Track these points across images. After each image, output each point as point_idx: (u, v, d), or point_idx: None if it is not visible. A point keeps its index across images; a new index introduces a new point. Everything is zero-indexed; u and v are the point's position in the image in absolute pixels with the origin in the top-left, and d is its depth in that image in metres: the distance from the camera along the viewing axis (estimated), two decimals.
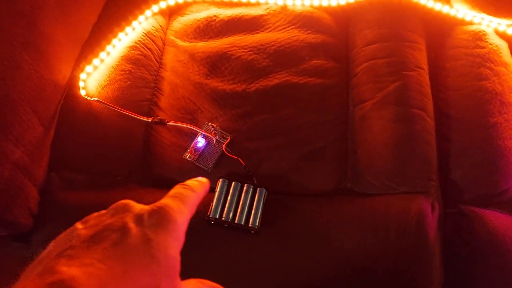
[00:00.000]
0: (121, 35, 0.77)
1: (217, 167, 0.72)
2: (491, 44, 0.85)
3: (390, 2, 0.85)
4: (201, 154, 0.72)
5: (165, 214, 0.30)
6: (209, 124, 0.74)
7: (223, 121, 0.75)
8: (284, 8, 0.86)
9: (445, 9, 0.87)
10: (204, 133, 0.72)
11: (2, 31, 0.59)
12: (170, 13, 0.87)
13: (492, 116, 0.77)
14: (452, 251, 0.71)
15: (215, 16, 0.84)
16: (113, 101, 0.73)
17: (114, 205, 0.32)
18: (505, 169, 0.75)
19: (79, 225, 0.30)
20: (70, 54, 0.72)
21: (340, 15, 0.88)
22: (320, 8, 0.87)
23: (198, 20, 0.84)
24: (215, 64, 0.79)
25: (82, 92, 0.71)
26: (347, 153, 0.77)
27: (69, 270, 0.24)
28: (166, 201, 0.32)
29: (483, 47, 0.84)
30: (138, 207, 0.31)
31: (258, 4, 0.86)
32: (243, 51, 0.80)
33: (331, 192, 0.75)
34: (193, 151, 0.72)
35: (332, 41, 0.84)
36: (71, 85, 0.72)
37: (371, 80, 0.79)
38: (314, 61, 0.81)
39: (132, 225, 0.28)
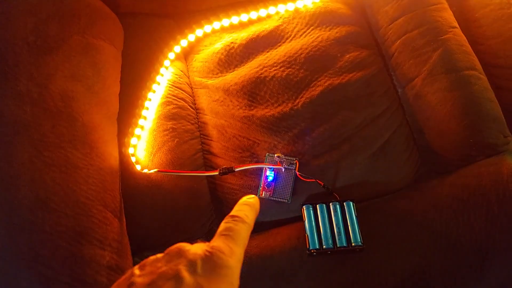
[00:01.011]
0: (150, 95, 0.73)
1: (295, 195, 0.69)
2: None
3: None
4: (275, 188, 0.69)
5: (218, 260, 0.31)
6: (272, 155, 0.70)
7: (283, 147, 0.72)
8: (296, 11, 0.82)
9: None
10: (271, 166, 0.69)
11: (47, 137, 0.56)
12: (185, 55, 0.83)
13: None
14: None
15: (232, 43, 0.80)
16: (168, 165, 0.69)
17: (168, 249, 0.33)
18: None
19: (136, 271, 0.31)
20: (112, 134, 0.68)
21: (353, 1, 0.84)
22: (331, 0, 0.83)
23: (217, 52, 0.80)
24: (253, 91, 0.75)
25: (138, 168, 0.67)
26: (414, 137, 0.75)
27: None
28: (218, 243, 0.32)
29: None
30: (192, 252, 0.31)
31: (269, 16, 0.82)
32: (275, 69, 0.76)
33: (414, 181, 0.72)
34: (266, 188, 0.69)
35: (356, 30, 0.81)
36: (124, 164, 0.69)
37: (411, 56, 0.76)
38: (347, 56, 0.77)
39: (185, 274, 0.29)
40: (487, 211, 0.64)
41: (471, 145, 0.70)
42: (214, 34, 0.82)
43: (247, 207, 0.39)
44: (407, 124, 0.75)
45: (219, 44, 0.81)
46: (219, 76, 0.78)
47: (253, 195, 0.41)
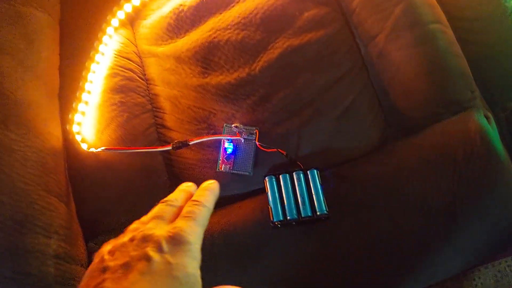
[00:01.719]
0: (93, 66, 0.66)
1: (257, 167, 0.66)
2: None
3: None
4: (235, 160, 0.65)
5: (180, 238, 0.35)
6: (230, 125, 0.66)
7: (241, 116, 0.67)
8: None
9: None
10: (229, 137, 0.64)
11: None
12: (131, 22, 0.76)
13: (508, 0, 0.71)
14: None
15: (181, 5, 0.73)
16: (119, 143, 0.64)
17: (134, 235, 0.35)
18: None
19: (106, 256, 0.34)
20: (52, 111, 0.62)
21: None
22: None
23: (166, 16, 0.73)
24: (206, 57, 0.70)
25: (84, 146, 0.62)
26: (379, 98, 0.71)
27: None
28: (179, 224, 0.36)
29: None
30: (156, 234, 0.35)
31: None
32: (229, 32, 0.71)
33: (380, 144, 0.69)
34: (225, 161, 0.65)
35: None
36: (68, 143, 0.63)
37: (372, 12, 0.72)
38: (306, 14, 0.72)
39: (153, 254, 0.33)
40: (453, 170, 0.62)
41: (437, 102, 0.67)
42: None
43: (207, 191, 0.42)
44: (371, 84, 0.72)
45: (167, 8, 0.74)
46: (169, 43, 0.72)
47: (214, 180, 0.44)
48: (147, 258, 0.33)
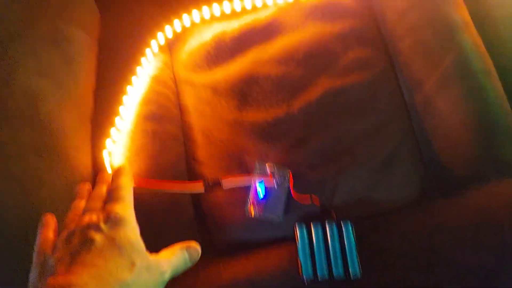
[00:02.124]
0: (129, 89, 0.64)
1: (288, 211, 0.62)
2: None
3: None
4: (266, 204, 0.62)
5: (115, 216, 0.41)
6: (263, 163, 0.63)
7: (275, 156, 0.64)
8: (295, 1, 0.73)
9: None
10: (261, 178, 0.61)
11: (6, 145, 0.47)
12: (169, 46, 0.74)
13: None
14: None
15: (222, 33, 0.71)
16: (148, 173, 0.62)
17: (73, 229, 0.40)
18: None
19: (50, 258, 0.38)
20: (83, 136, 0.59)
21: None
22: None
23: (205, 44, 0.71)
24: (244, 91, 0.67)
25: None
26: (421, 149, 0.68)
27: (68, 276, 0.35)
28: (110, 208, 0.42)
29: None
30: (94, 221, 0.40)
31: (265, 5, 0.73)
32: (269, 66, 0.68)
33: (419, 198, 0.66)
34: (255, 204, 0.62)
35: (361, 23, 0.73)
36: (97, 173, 0.60)
37: (421, 56, 0.68)
38: (351, 53, 0.70)
39: (95, 236, 0.38)
40: (498, 237, 0.58)
41: (483, 160, 0.63)
42: (203, 23, 0.73)
43: (121, 177, 0.47)
44: (414, 133, 0.68)
45: (208, 34, 0.72)
46: (207, 72, 0.70)
47: (120, 165, 0.51)
48: (91, 241, 0.38)
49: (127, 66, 0.65)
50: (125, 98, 0.63)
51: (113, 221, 0.41)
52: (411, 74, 0.69)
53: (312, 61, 0.69)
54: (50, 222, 0.44)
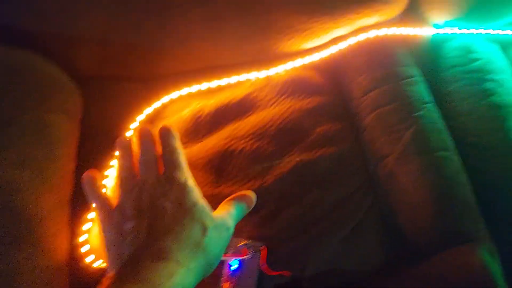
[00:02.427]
0: (109, 172, 0.68)
1: (261, 285, 0.65)
2: (483, 53, 0.82)
3: (373, 41, 0.80)
4: (239, 278, 0.65)
5: (179, 183, 0.46)
6: (237, 240, 0.66)
7: (250, 230, 0.68)
8: (268, 79, 0.79)
9: (427, 31, 0.83)
10: (235, 257, 0.65)
11: None
12: (152, 121, 0.78)
13: None
14: None
15: (200, 110, 0.76)
16: None
17: (136, 194, 0.46)
18: None
19: (126, 222, 0.44)
20: (62, 222, 0.61)
21: (327, 69, 0.82)
22: (304, 67, 0.81)
23: (184, 120, 0.76)
24: (220, 166, 0.71)
25: (89, 260, 0.61)
26: (386, 220, 0.72)
27: None
28: (173, 173, 0.47)
29: (477, 59, 0.81)
30: (158, 187, 0.46)
31: (240, 83, 0.78)
32: (244, 142, 0.73)
33: (386, 266, 0.70)
34: (229, 278, 0.65)
35: (329, 100, 0.79)
36: (74, 257, 0.62)
37: (384, 132, 0.74)
38: (319, 129, 0.75)
39: (166, 204, 0.44)
40: None
41: (441, 231, 0.68)
42: (182, 100, 0.78)
43: (170, 139, 0.53)
44: (379, 205, 0.73)
45: (186, 111, 0.77)
46: (185, 147, 0.74)
47: (166, 125, 0.57)
48: (163, 209, 0.41)
49: (108, 147, 0.69)
50: (105, 181, 0.66)
51: (178, 188, 0.44)
52: (375, 149, 0.75)
53: (284, 136, 0.73)
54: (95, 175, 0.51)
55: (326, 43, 0.80)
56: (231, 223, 0.50)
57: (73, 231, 0.63)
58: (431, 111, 0.75)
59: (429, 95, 0.78)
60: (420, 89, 0.78)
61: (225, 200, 0.52)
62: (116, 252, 0.43)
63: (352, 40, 0.79)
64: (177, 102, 0.78)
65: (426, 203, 0.68)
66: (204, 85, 0.77)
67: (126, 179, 0.49)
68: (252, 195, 0.55)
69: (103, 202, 0.50)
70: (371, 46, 0.80)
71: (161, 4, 0.64)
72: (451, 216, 0.68)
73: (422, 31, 0.82)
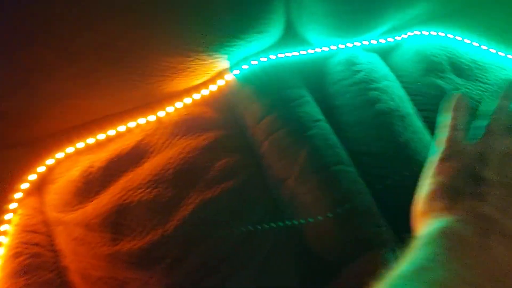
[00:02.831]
0: None
1: None
2: (365, 64, 0.85)
3: (259, 69, 0.81)
4: None
5: None
6: None
7: (156, 282, 0.65)
8: (158, 122, 0.77)
9: (310, 51, 0.85)
10: None
11: None
12: (38, 188, 0.74)
13: (400, 135, 0.78)
14: None
15: (90, 166, 0.73)
16: None
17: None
18: None
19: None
20: None
21: (218, 102, 0.82)
22: (195, 104, 0.80)
23: (74, 180, 0.72)
24: (117, 222, 0.68)
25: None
26: (296, 242, 0.72)
27: None
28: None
29: (360, 70, 0.84)
30: None
31: (129, 131, 0.76)
32: (140, 192, 0.70)
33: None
34: None
35: (225, 133, 0.78)
36: None
37: (280, 156, 0.75)
38: (217, 164, 0.74)
39: None
40: None
41: (346, 243, 0.69)
42: (69, 159, 0.74)
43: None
44: (287, 229, 0.73)
45: (76, 169, 0.73)
46: (77, 209, 0.70)
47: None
48: None
49: None
50: None
51: None
52: (274, 173, 0.75)
53: (182, 178, 0.72)
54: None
55: (212, 77, 0.80)
56: None
57: None
58: (322, 128, 0.77)
59: (319, 113, 0.80)
60: (310, 109, 0.79)
61: None
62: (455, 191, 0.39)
63: (237, 72, 0.80)
64: (64, 162, 0.74)
65: (328, 218, 0.69)
66: (90, 140, 0.74)
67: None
68: None
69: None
70: (258, 73, 0.81)
71: (25, 70, 0.61)
72: (352, 226, 0.69)
73: (305, 52, 0.85)
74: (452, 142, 0.46)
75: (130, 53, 0.66)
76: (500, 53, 0.91)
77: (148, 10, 0.61)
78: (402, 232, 0.74)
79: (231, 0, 0.66)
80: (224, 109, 0.82)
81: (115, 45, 0.64)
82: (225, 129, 0.79)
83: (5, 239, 0.64)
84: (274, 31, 0.78)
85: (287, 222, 0.73)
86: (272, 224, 0.72)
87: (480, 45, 0.90)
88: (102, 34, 0.62)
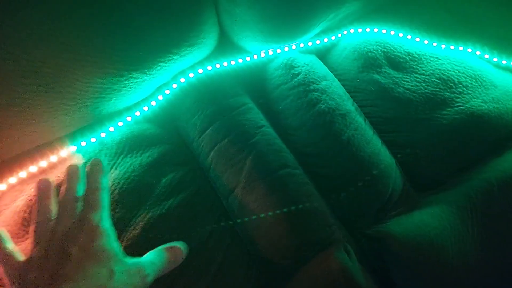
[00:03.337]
0: None
1: None
2: (303, 66, 0.87)
3: (198, 80, 0.81)
4: None
5: (91, 225, 0.47)
6: None
7: None
8: (101, 143, 0.77)
9: (247, 58, 0.86)
10: None
11: None
12: None
13: (342, 133, 0.80)
14: (389, 279, 0.72)
15: (34, 195, 0.71)
16: None
17: (47, 241, 0.45)
18: (378, 178, 0.78)
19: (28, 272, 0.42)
20: None
21: (159, 117, 0.82)
22: (136, 121, 0.80)
23: (19, 211, 0.70)
24: None
25: None
26: (249, 250, 0.73)
27: None
28: (87, 215, 0.47)
29: (299, 73, 0.86)
30: (69, 230, 0.44)
31: (72, 154, 0.75)
32: None
33: None
34: None
35: (169, 148, 0.78)
36: None
37: (226, 166, 0.76)
38: (164, 180, 0.74)
39: (72, 248, 0.41)
40: None
41: (297, 246, 0.70)
42: (13, 189, 0.73)
43: (96, 174, 0.53)
44: (239, 238, 0.74)
45: (20, 200, 0.72)
46: (23, 240, 0.69)
47: (96, 159, 0.58)
48: (67, 254, 0.40)
49: None
50: None
51: (88, 231, 0.43)
52: (222, 184, 0.75)
53: (129, 198, 0.71)
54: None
55: (151, 93, 0.80)
56: (150, 272, 0.49)
57: None
58: (266, 134, 0.78)
59: (263, 119, 0.81)
60: (252, 116, 0.80)
61: (155, 249, 0.52)
62: None
63: (175, 86, 0.80)
64: (8, 193, 0.72)
65: (277, 223, 0.70)
66: (32, 168, 0.72)
67: (40, 225, 0.48)
68: (182, 249, 0.55)
69: (8, 258, 0.48)
70: (196, 85, 0.82)
71: None
72: (302, 228, 0.70)
73: (242, 60, 0.86)
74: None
75: (59, 78, 0.66)
76: (434, 44, 0.94)
77: (72, 34, 0.61)
78: (354, 230, 0.77)
79: (157, 16, 0.66)
80: (166, 124, 0.82)
81: (42, 72, 0.63)
82: (169, 144, 0.79)
83: None
84: (208, 42, 0.79)
85: (240, 231, 0.74)
86: (224, 234, 0.72)
87: (413, 38, 0.93)
88: (25, 62, 0.61)
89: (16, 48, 0.59)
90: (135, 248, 0.67)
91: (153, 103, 0.80)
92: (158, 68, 0.74)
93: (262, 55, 0.87)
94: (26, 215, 0.70)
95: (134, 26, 0.64)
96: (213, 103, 0.80)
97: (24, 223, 0.70)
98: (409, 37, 0.94)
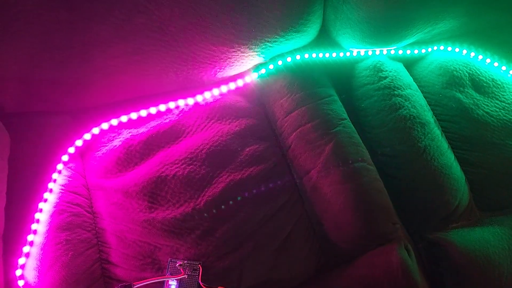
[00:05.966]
0: (41, 205, 0.68)
1: None
2: (391, 71, 0.91)
3: (292, 66, 0.87)
4: None
5: None
6: (174, 261, 0.69)
7: (186, 251, 0.70)
8: (196, 105, 0.83)
9: (340, 53, 0.91)
10: (173, 278, 0.67)
11: None
12: (81, 154, 0.79)
13: (420, 140, 0.83)
14: (441, 283, 0.75)
15: (131, 139, 0.78)
16: (63, 283, 0.65)
17: None
18: (448, 186, 0.81)
19: None
20: None
21: (251, 93, 0.88)
22: (230, 92, 0.86)
23: (116, 150, 0.77)
24: (153, 192, 0.74)
25: None
26: (314, 228, 0.78)
27: None
28: None
29: (386, 77, 0.90)
30: None
31: (169, 111, 0.82)
32: (176, 167, 0.76)
33: (315, 272, 0.75)
34: None
35: (255, 122, 0.84)
36: None
37: (306, 149, 0.80)
38: (247, 149, 0.80)
39: None
40: None
41: (362, 235, 0.74)
42: (112, 130, 0.80)
43: None
44: (307, 215, 0.78)
45: (118, 141, 0.79)
46: (118, 176, 0.76)
47: None
48: None
49: (39, 182, 0.69)
50: (37, 215, 0.67)
51: None
52: (299, 164, 0.80)
53: (214, 159, 0.77)
54: None
55: (249, 69, 0.86)
56: None
57: (7, 265, 0.63)
58: (347, 127, 0.83)
59: (345, 112, 0.86)
60: (337, 107, 0.85)
61: None
62: None
63: (272, 66, 0.86)
64: (108, 133, 0.80)
65: (347, 210, 0.74)
66: (133, 115, 0.79)
67: None
68: None
69: None
70: (291, 70, 0.87)
71: (83, 41, 0.67)
72: (370, 220, 0.74)
73: (335, 54, 0.90)
74: None
75: (179, 38, 0.72)
76: None
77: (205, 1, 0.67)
78: (414, 232, 0.80)
79: (278, 0, 0.72)
80: (256, 100, 0.88)
81: (167, 29, 0.70)
82: (255, 119, 0.84)
83: (50, 196, 0.70)
84: (310, 32, 0.84)
85: (309, 209, 0.78)
86: (295, 209, 0.77)
87: (500, 66, 0.96)
88: (155, 18, 0.68)
89: (152, 4, 0.66)
90: (214, 205, 0.73)
91: (248, 78, 0.86)
92: (263, 46, 0.80)
93: (354, 53, 0.91)
94: (121, 155, 0.77)
95: (260, 6, 0.70)
96: (303, 89, 0.85)
97: (118, 161, 0.77)
98: (495, 64, 0.96)
